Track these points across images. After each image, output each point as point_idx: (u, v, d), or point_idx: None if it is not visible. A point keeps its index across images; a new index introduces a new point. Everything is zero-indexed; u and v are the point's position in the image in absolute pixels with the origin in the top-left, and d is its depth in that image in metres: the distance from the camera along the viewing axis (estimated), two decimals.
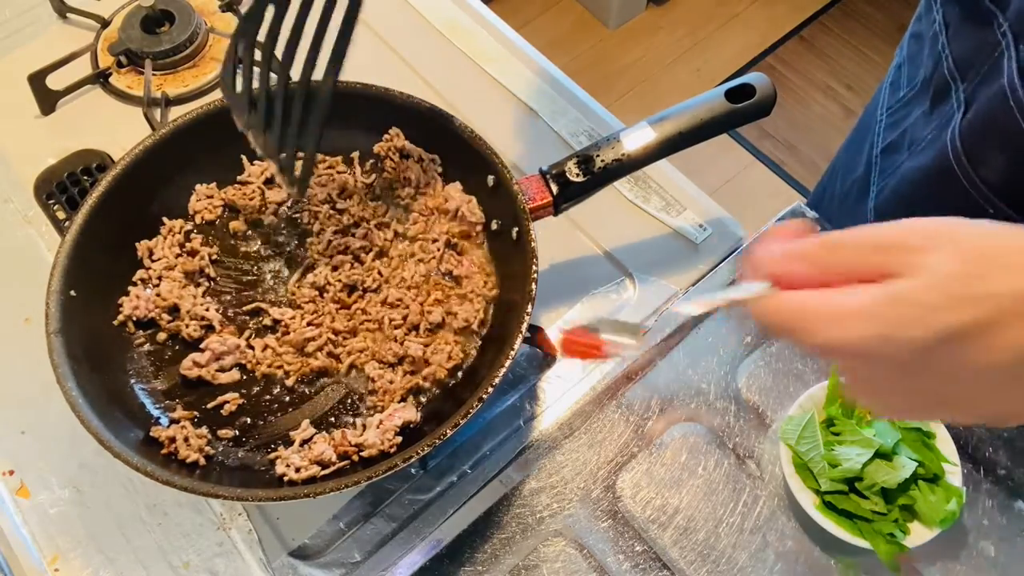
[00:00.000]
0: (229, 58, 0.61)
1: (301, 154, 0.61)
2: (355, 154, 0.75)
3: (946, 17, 0.70)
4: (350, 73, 0.60)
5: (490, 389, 0.58)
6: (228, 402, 0.66)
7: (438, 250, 0.71)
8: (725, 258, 0.78)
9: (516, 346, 0.59)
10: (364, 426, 0.64)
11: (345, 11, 0.57)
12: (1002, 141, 0.63)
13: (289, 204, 0.75)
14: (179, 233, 0.73)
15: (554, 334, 0.74)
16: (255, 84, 0.60)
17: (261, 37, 0.59)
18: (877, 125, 0.82)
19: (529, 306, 0.60)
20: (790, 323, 0.39)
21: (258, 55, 0.59)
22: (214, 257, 0.73)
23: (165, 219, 0.73)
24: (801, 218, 0.45)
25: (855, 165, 0.86)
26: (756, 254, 0.41)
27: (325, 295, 0.70)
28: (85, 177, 0.84)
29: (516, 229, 0.66)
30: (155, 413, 0.65)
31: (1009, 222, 0.66)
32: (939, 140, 0.69)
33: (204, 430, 0.64)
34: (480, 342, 0.67)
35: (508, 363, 0.58)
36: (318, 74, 0.58)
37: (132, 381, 0.66)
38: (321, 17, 0.56)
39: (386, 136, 0.74)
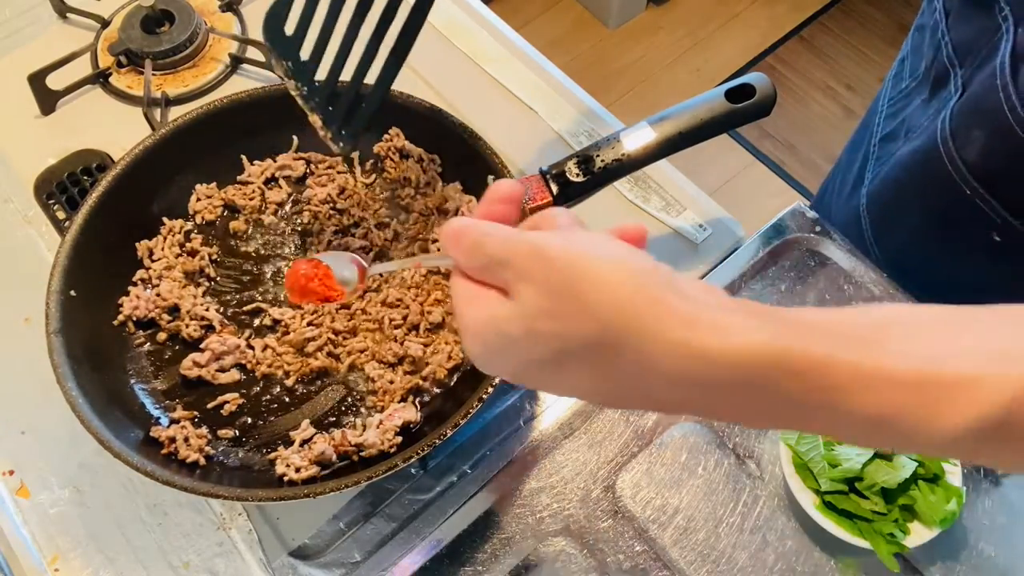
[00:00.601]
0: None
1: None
2: (355, 154, 0.75)
3: (946, 5, 0.70)
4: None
5: (490, 389, 0.58)
6: (228, 402, 0.66)
7: (438, 250, 0.71)
8: (725, 258, 0.78)
9: None
10: (364, 426, 0.64)
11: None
12: (985, 120, 0.63)
13: (289, 204, 0.75)
14: (179, 233, 0.73)
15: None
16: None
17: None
18: (878, 116, 0.82)
19: None
20: (454, 311, 0.40)
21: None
22: (214, 257, 0.73)
23: (165, 219, 0.73)
24: (511, 182, 0.44)
25: (855, 160, 0.87)
26: (450, 223, 0.40)
27: None
28: (85, 177, 0.84)
29: None
30: (155, 413, 0.65)
31: (982, 206, 0.67)
32: (933, 124, 0.70)
33: (204, 430, 0.64)
34: None
35: None
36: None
37: (132, 381, 0.66)
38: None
39: (386, 136, 0.74)
